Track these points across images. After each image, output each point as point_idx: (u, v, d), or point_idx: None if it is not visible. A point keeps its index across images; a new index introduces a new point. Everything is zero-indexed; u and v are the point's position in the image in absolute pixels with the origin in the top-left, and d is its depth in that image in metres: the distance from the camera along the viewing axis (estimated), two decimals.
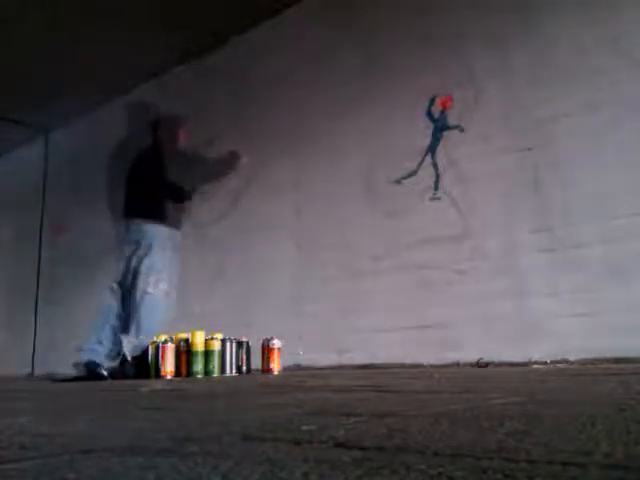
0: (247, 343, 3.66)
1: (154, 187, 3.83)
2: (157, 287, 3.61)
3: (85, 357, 3.53)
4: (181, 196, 4.05)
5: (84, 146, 5.96)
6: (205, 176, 4.29)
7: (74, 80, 5.24)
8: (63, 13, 4.31)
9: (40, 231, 6.40)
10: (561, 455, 0.56)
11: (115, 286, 3.77)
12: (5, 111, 5.82)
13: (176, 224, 3.86)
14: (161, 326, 3.64)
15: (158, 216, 3.74)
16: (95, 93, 5.53)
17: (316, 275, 3.86)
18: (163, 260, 3.69)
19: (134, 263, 3.72)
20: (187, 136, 4.19)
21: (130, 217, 3.83)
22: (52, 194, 6.41)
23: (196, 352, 3.51)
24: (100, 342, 3.60)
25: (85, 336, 3.73)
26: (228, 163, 4.22)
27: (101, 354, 3.56)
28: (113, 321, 3.68)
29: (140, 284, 3.61)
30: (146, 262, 3.66)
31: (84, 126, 6.03)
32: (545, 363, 2.79)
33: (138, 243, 3.73)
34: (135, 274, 3.68)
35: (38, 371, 5.84)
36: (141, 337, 3.58)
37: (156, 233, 3.70)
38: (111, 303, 3.74)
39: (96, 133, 5.81)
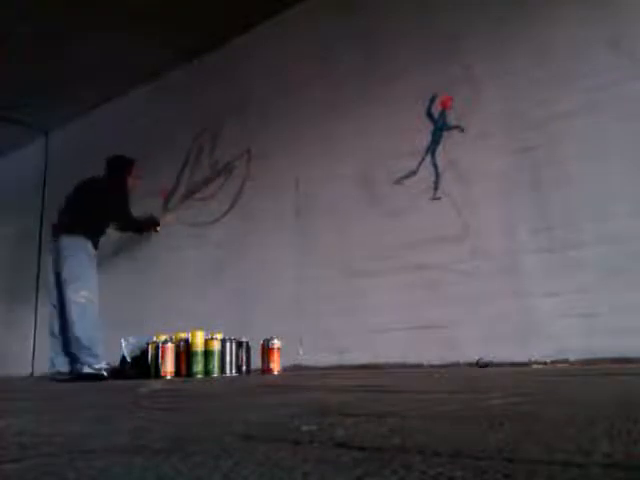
0: (247, 343, 3.66)
1: (101, 215, 4.13)
2: (78, 294, 3.72)
3: (52, 370, 3.79)
4: (146, 227, 4.65)
5: (84, 146, 5.96)
6: (126, 227, 4.56)
7: (74, 80, 5.24)
8: (63, 13, 4.31)
9: (40, 231, 6.40)
10: (561, 455, 0.55)
11: (54, 301, 3.95)
12: (5, 111, 5.82)
13: (89, 235, 3.99)
14: (94, 332, 3.71)
15: (70, 229, 3.91)
16: (95, 93, 5.53)
17: (316, 275, 3.86)
18: (79, 268, 3.83)
19: (56, 276, 3.92)
20: (135, 182, 4.46)
21: (53, 235, 4.06)
22: (52, 194, 6.40)
23: (196, 352, 3.51)
24: (56, 354, 3.82)
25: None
26: (148, 225, 4.65)
27: (62, 364, 3.77)
28: (57, 335, 3.86)
29: (65, 295, 3.77)
30: (64, 273, 3.84)
31: (84, 126, 6.03)
32: (545, 363, 2.79)
33: (55, 256, 3.94)
34: (59, 286, 3.87)
35: (38, 371, 5.84)
36: (81, 345, 3.67)
37: (67, 244, 3.87)
38: (52, 319, 3.93)
39: (96, 133, 5.81)
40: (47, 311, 4.07)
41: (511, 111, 3.17)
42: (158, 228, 4.75)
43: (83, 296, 3.74)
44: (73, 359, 3.68)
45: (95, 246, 4.03)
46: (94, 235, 4.03)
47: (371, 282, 3.55)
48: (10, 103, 5.64)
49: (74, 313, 3.69)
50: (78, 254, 3.86)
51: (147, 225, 4.68)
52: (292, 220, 4.09)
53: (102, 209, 4.10)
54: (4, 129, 6.23)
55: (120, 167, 4.37)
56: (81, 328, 3.67)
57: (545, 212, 2.97)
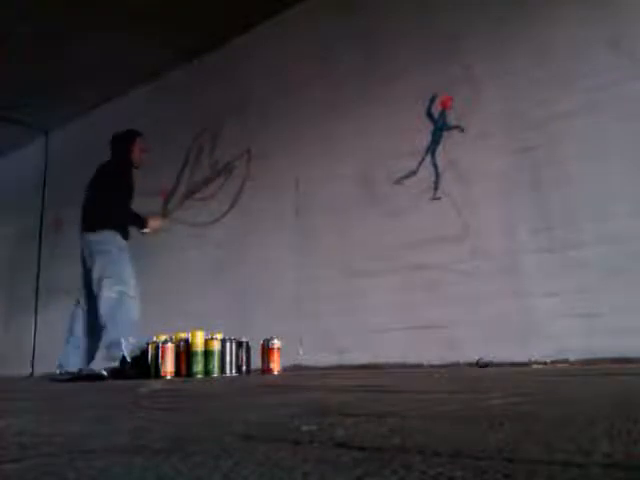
0: (247, 343, 3.66)
1: (115, 206, 3.86)
2: (112, 290, 3.62)
3: (60, 370, 3.69)
4: (141, 224, 4.11)
5: (84, 146, 5.96)
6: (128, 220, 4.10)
7: (74, 80, 5.24)
8: (63, 13, 4.31)
9: (40, 231, 6.40)
10: (561, 455, 0.55)
11: (80, 298, 3.85)
12: (5, 111, 5.83)
13: (116, 226, 3.84)
14: (128, 328, 3.63)
15: (94, 223, 3.80)
16: (95, 93, 5.54)
17: (316, 275, 3.86)
18: (110, 265, 3.71)
19: (86, 273, 3.81)
20: (140, 156, 4.09)
21: (82, 230, 3.91)
22: (52, 194, 6.41)
23: (196, 352, 3.50)
24: (68, 354, 3.73)
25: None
26: (142, 221, 4.12)
27: (72, 363, 3.67)
28: (76, 334, 3.76)
29: (97, 291, 3.69)
30: (95, 271, 3.72)
31: (84, 126, 6.03)
32: (545, 363, 2.79)
33: (85, 253, 3.83)
34: (90, 282, 3.76)
35: (38, 371, 5.84)
36: (112, 341, 3.55)
37: (94, 239, 3.76)
38: (73, 317, 3.83)
39: (96, 133, 5.81)
40: (72, 308, 3.91)
41: (511, 111, 3.17)
42: (146, 230, 4.17)
43: (116, 291, 3.60)
44: (92, 355, 3.55)
45: (125, 236, 3.83)
46: (121, 225, 3.83)
47: (371, 282, 3.56)
48: (10, 103, 5.65)
49: (105, 308, 3.57)
50: (107, 249, 3.71)
51: (147, 222, 4.23)
52: (292, 220, 4.09)
53: (117, 194, 3.83)
54: (4, 129, 6.23)
55: (123, 143, 4.06)
56: (112, 323, 3.52)
57: (545, 212, 2.97)
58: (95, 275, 3.70)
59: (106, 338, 3.54)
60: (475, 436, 0.70)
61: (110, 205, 3.84)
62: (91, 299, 3.75)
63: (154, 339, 3.63)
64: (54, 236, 6.21)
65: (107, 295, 3.61)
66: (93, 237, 3.78)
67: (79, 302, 3.85)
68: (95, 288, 3.70)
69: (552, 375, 2.15)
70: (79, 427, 1.01)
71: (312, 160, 4.05)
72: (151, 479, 0.53)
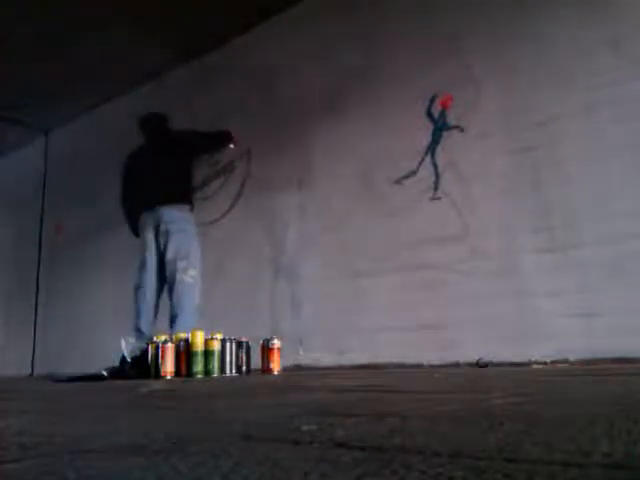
0: (247, 343, 3.65)
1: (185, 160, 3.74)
2: (186, 274, 3.48)
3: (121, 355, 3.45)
4: (224, 140, 4.09)
5: (84, 146, 5.97)
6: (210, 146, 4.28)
7: (74, 80, 5.24)
8: (63, 13, 4.31)
9: (40, 231, 6.40)
10: (561, 455, 0.55)
11: (144, 284, 3.66)
12: (5, 111, 5.83)
13: (190, 207, 3.74)
14: (195, 316, 3.54)
15: (173, 200, 3.66)
16: (95, 93, 5.54)
17: (316, 275, 3.86)
18: (187, 245, 3.55)
19: (158, 250, 3.62)
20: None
21: (147, 204, 3.72)
22: (52, 194, 6.41)
23: (196, 352, 3.50)
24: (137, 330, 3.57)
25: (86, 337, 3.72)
26: (223, 140, 4.19)
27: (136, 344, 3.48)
28: (142, 330, 3.62)
29: (169, 273, 3.51)
30: (169, 251, 3.55)
31: (84, 126, 6.03)
32: (545, 363, 2.79)
33: (157, 229, 3.65)
34: (162, 262, 3.57)
35: (38, 371, 5.84)
36: (177, 330, 3.37)
37: (171, 217, 3.62)
38: (141, 300, 3.65)
39: (96, 133, 5.81)
40: (129, 297, 3.71)
41: (511, 111, 3.17)
42: (233, 145, 4.22)
43: (192, 276, 3.44)
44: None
45: (192, 209, 3.67)
46: (191, 201, 3.69)
47: (371, 282, 3.56)
48: (10, 103, 5.65)
49: (182, 294, 3.40)
50: (185, 228, 3.52)
51: (223, 138, 4.19)
52: (292, 220, 4.09)
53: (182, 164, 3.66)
54: (4, 129, 6.24)
55: (159, 123, 4.05)
56: (188, 312, 3.36)
57: (545, 212, 2.97)
58: (169, 256, 3.50)
59: (181, 328, 3.41)
60: (475, 436, 0.70)
61: (183, 173, 3.65)
62: (160, 282, 3.54)
63: (154, 339, 3.63)
64: (54, 238, 6.21)
65: (183, 279, 3.43)
66: (169, 213, 3.54)
67: (140, 286, 3.63)
68: (167, 271, 3.49)
69: (552, 375, 2.15)
70: (79, 427, 1.01)
71: (312, 160, 4.05)
72: (151, 479, 0.53)
